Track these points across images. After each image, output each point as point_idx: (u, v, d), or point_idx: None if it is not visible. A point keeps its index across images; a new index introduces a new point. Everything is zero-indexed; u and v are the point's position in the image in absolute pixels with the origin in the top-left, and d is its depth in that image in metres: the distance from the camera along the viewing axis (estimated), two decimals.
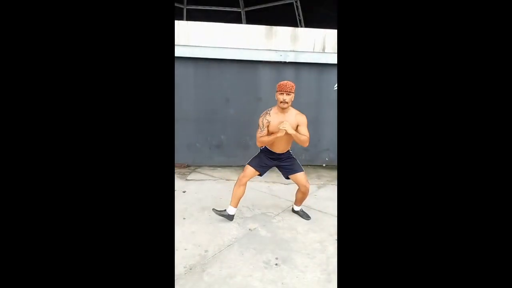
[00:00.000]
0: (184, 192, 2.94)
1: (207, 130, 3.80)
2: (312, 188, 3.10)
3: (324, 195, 2.97)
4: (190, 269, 1.72)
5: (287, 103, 2.01)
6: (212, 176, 3.48)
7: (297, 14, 8.97)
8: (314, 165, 4.01)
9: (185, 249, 1.91)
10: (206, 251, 1.91)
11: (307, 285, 1.62)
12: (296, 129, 2.06)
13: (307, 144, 2.08)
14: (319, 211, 2.57)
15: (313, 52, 3.62)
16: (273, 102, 2.16)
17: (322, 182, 3.36)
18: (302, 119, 2.10)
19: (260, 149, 2.30)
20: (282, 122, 2.00)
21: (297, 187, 2.32)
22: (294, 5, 8.91)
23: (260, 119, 2.12)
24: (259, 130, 2.11)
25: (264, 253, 1.90)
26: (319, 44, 3.61)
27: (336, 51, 3.58)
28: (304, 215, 2.43)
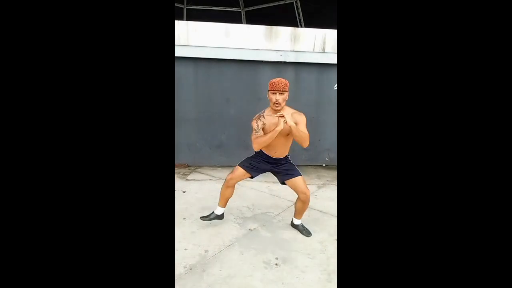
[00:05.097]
0: (184, 192, 2.94)
1: (207, 130, 3.79)
2: (312, 188, 3.11)
3: (324, 195, 2.97)
4: (190, 269, 1.72)
5: (279, 103, 1.80)
6: (212, 176, 3.48)
7: (297, 14, 8.98)
8: (314, 165, 4.01)
9: (185, 249, 1.91)
10: (206, 251, 1.91)
11: (307, 285, 1.62)
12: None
13: (307, 143, 1.83)
14: (319, 211, 2.57)
15: (313, 52, 3.61)
16: None
17: (322, 182, 3.36)
18: (300, 118, 1.87)
19: (255, 152, 2.06)
20: (281, 115, 1.78)
21: (296, 196, 2.04)
22: (294, 5, 8.91)
23: (253, 122, 1.92)
24: (254, 132, 1.90)
25: (264, 253, 1.90)
26: (319, 44, 3.60)
27: (336, 51, 3.58)
28: (304, 230, 2.14)
